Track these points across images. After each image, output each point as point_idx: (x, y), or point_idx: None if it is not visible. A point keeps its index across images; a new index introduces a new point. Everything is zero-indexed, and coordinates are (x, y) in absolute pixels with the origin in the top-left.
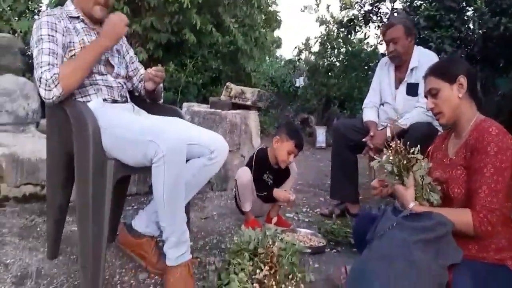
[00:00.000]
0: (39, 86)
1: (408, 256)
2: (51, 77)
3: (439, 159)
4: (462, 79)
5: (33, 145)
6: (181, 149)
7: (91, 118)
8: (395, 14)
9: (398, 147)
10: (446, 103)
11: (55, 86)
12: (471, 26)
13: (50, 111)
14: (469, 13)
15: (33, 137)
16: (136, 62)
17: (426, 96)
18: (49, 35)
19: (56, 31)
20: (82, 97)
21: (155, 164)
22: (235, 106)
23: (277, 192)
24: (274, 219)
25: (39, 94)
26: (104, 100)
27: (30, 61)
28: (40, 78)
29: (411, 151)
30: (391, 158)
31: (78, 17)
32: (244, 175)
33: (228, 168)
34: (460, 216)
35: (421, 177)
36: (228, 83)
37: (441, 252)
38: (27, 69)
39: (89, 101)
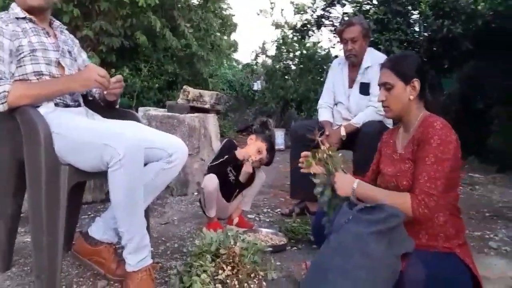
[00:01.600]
0: None
1: (364, 247)
2: (0, 93)
3: (389, 154)
4: (416, 83)
5: None
6: (138, 152)
7: (42, 123)
8: (345, 18)
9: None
10: (396, 100)
11: (1, 103)
12: (416, 29)
13: None
14: (414, 17)
15: None
16: None
17: (379, 86)
18: None
19: (3, 36)
20: None
21: (111, 168)
22: (194, 110)
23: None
24: (235, 220)
25: None
26: (56, 104)
27: None
28: None
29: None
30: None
31: (25, 18)
32: (211, 183)
33: (188, 172)
34: (399, 198)
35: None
36: (185, 86)
37: (394, 242)
38: None
39: (39, 106)
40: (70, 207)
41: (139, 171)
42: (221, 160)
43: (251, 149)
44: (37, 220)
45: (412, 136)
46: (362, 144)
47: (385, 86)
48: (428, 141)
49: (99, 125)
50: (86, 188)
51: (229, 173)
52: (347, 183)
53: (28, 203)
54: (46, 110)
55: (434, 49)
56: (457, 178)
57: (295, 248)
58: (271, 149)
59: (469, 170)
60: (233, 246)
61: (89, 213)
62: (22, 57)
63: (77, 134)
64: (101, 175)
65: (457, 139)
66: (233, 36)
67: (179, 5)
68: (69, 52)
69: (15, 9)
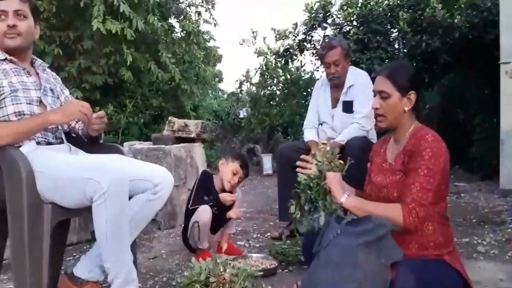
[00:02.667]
0: None
1: (353, 259)
2: None
3: (379, 163)
4: (413, 96)
5: None
6: (123, 184)
7: (23, 163)
8: (327, 39)
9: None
10: (392, 110)
11: None
12: (396, 46)
13: None
14: (393, 35)
15: None
16: None
17: (374, 92)
18: None
19: None
20: None
21: (95, 203)
22: (179, 140)
23: (223, 196)
24: (225, 246)
25: None
26: (38, 143)
27: None
28: None
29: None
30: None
31: (5, 59)
32: (205, 214)
33: (175, 204)
34: (391, 208)
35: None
36: (170, 117)
37: (383, 252)
38: None
39: (20, 146)
40: (54, 247)
41: (124, 203)
42: (203, 205)
43: (226, 174)
44: (19, 262)
45: (403, 148)
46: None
47: (381, 94)
48: (420, 153)
49: (81, 160)
50: (71, 229)
51: (212, 208)
52: (341, 187)
53: (10, 245)
54: (28, 149)
55: (414, 64)
56: (446, 189)
57: (286, 270)
58: (245, 165)
59: (454, 179)
60: (223, 273)
61: (74, 254)
62: (3, 98)
63: (59, 171)
64: (85, 211)
65: (447, 152)
66: (218, 67)
67: (162, 38)
68: (51, 90)
69: None
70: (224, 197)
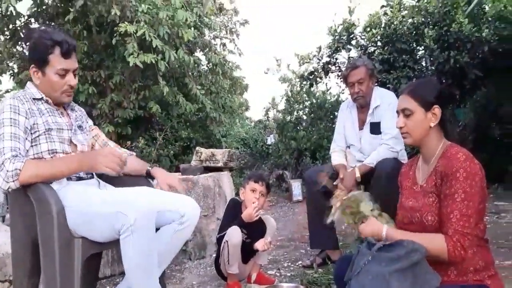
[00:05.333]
0: None
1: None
2: (12, 170)
3: (409, 187)
4: (437, 110)
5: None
6: (149, 216)
7: (54, 199)
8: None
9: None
10: (416, 127)
11: (13, 181)
12: (423, 64)
13: (13, 198)
14: (420, 53)
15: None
16: (101, 137)
17: (398, 112)
18: (11, 118)
19: (19, 114)
20: None
21: (123, 235)
22: (207, 170)
23: (245, 212)
24: (253, 276)
25: None
26: (69, 178)
27: None
28: (2, 166)
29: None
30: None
31: (41, 98)
32: (236, 235)
33: (205, 234)
34: (434, 241)
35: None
36: (198, 148)
37: (418, 279)
38: None
39: (51, 182)
40: (86, 280)
41: (151, 235)
42: (233, 226)
43: (247, 196)
44: None
45: (434, 168)
46: (378, 183)
47: (404, 112)
48: (453, 175)
49: (110, 195)
50: (104, 262)
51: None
52: (376, 230)
53: (42, 279)
54: (59, 186)
55: (443, 81)
56: (483, 209)
57: None
58: (259, 178)
59: (493, 199)
60: None
61: (107, 287)
62: (38, 136)
63: (89, 206)
64: (116, 244)
65: (481, 169)
66: (244, 96)
67: (190, 73)
68: (80, 127)
69: (31, 89)
70: (246, 212)
